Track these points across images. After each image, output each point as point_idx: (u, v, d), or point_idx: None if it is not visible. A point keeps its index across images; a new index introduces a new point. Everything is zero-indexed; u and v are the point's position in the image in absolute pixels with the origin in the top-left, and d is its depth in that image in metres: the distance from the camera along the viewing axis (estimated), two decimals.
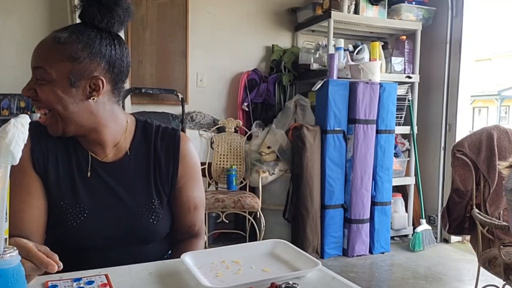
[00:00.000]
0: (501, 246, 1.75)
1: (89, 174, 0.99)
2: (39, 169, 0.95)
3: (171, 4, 3.44)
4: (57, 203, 0.95)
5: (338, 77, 3.15)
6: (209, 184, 3.29)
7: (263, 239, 2.53)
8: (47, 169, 0.96)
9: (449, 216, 2.11)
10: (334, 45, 3.30)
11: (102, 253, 0.97)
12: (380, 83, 3.17)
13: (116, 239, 0.98)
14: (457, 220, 2.10)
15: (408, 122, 3.58)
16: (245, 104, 3.55)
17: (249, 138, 3.40)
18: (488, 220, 1.82)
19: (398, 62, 3.51)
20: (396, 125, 3.32)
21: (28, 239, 0.88)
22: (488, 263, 1.85)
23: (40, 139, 0.96)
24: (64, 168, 0.97)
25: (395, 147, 3.46)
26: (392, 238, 3.45)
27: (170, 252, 1.12)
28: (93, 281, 0.76)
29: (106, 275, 0.79)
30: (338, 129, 3.11)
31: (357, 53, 3.43)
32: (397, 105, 3.31)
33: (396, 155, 3.49)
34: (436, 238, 3.51)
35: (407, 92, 3.53)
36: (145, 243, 1.01)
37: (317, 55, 3.49)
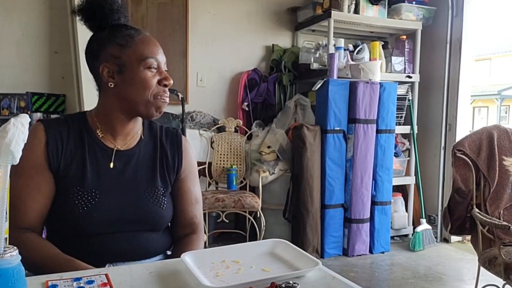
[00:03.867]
0: (501, 246, 1.75)
1: (101, 161, 1.05)
2: (53, 161, 1.01)
3: (171, 3, 3.44)
4: (70, 189, 1.01)
5: (338, 77, 3.15)
6: (209, 184, 3.29)
7: (263, 239, 2.53)
8: (61, 160, 1.02)
9: (451, 216, 2.11)
10: (334, 45, 3.30)
11: (111, 238, 1.02)
12: (380, 83, 3.17)
13: (125, 224, 1.03)
14: (458, 220, 2.10)
15: (408, 121, 3.58)
16: (245, 103, 3.55)
17: (249, 137, 3.40)
18: (489, 220, 1.82)
19: (398, 61, 3.51)
20: (396, 124, 3.32)
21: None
22: (488, 262, 1.85)
23: (55, 132, 1.03)
24: (78, 156, 1.04)
25: (395, 146, 3.46)
26: (392, 237, 3.45)
27: (172, 249, 1.16)
28: (93, 281, 0.76)
29: (106, 275, 0.79)
30: (338, 128, 3.11)
31: (357, 53, 3.43)
32: (397, 105, 3.31)
33: (396, 154, 3.49)
34: (436, 237, 3.51)
35: (407, 92, 3.53)
36: (152, 228, 1.07)
37: (317, 55, 3.49)
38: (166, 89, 1.05)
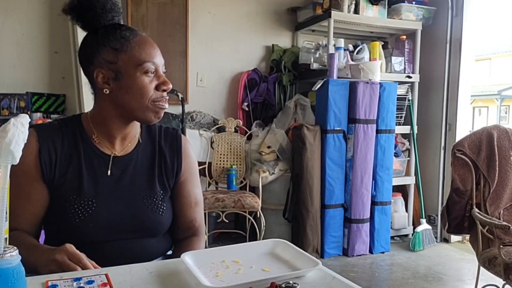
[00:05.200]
0: (501, 246, 1.75)
1: (97, 168, 1.02)
2: (46, 170, 0.98)
3: (171, 3, 3.44)
4: (67, 198, 0.98)
5: (338, 77, 3.15)
6: (209, 184, 3.29)
7: (263, 239, 2.53)
8: (55, 169, 0.99)
9: (449, 216, 2.11)
10: (334, 45, 3.30)
11: (110, 246, 1.00)
12: (380, 83, 3.17)
13: (123, 232, 1.01)
14: (456, 219, 2.10)
15: (408, 121, 3.58)
16: (245, 103, 3.55)
17: (249, 138, 3.40)
18: (489, 220, 1.82)
19: (398, 61, 3.51)
20: (396, 124, 3.32)
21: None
22: (488, 262, 1.85)
23: (48, 140, 1.00)
24: (73, 164, 1.01)
25: (395, 146, 3.46)
26: (392, 237, 3.45)
27: (172, 251, 1.14)
28: (93, 281, 0.76)
29: (106, 275, 0.78)
30: (338, 128, 3.11)
31: (357, 53, 3.43)
32: (397, 105, 3.31)
33: (396, 154, 3.49)
34: (436, 237, 3.51)
35: (407, 92, 3.53)
36: (151, 235, 1.05)
37: (317, 55, 3.49)
38: (165, 94, 1.00)
